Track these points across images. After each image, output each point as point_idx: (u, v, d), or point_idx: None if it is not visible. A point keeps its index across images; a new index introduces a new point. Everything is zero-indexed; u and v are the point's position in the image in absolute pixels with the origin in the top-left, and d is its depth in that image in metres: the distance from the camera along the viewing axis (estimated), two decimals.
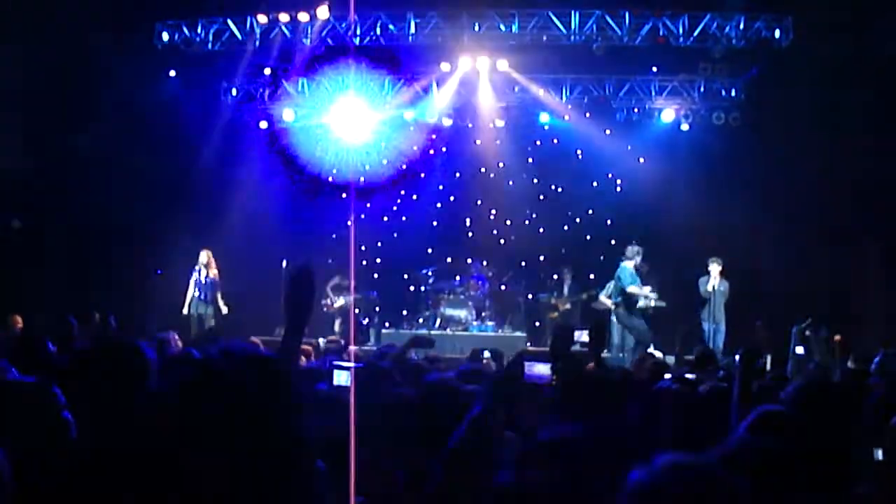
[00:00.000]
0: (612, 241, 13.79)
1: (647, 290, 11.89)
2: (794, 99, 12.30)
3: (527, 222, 15.13)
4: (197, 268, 12.58)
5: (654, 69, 13.63)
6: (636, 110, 14.32)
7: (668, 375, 5.36)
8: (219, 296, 12.65)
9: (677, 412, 3.69)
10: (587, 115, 14.25)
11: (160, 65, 13.68)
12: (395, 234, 14.97)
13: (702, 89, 13.92)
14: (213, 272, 12.62)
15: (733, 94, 13.77)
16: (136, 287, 12.88)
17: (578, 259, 14.48)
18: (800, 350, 8.61)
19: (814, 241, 12.30)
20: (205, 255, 12.57)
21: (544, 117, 14.48)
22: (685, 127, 14.11)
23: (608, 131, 14.48)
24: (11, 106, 11.60)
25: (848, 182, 12.07)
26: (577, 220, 15.07)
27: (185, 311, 12.42)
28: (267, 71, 14.09)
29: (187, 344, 6.62)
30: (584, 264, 14.36)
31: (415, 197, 15.49)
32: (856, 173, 11.86)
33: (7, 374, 3.32)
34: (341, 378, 4.07)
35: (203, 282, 12.55)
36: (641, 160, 14.45)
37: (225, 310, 12.59)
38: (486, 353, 7.32)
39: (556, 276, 14.34)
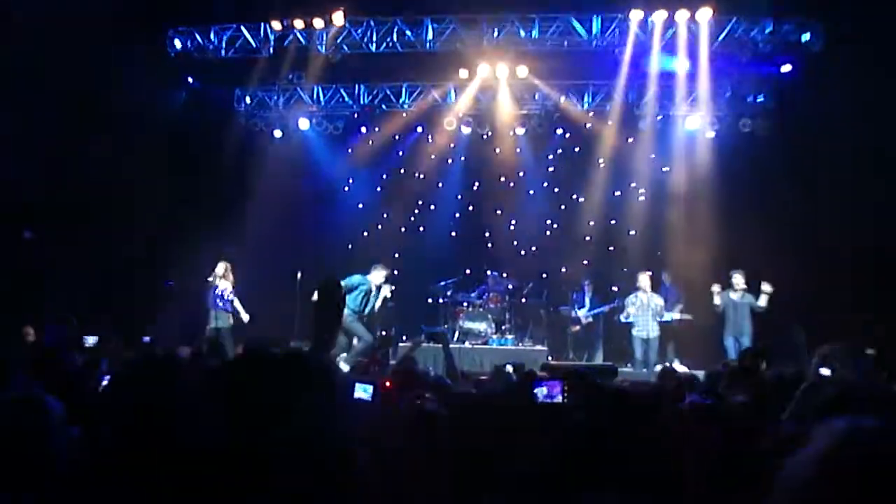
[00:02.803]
0: (635, 253, 13.96)
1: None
2: (826, 106, 12.00)
3: (547, 233, 15.15)
4: (212, 279, 12.44)
5: (679, 74, 13.56)
6: (660, 117, 14.26)
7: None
8: (239, 307, 12.47)
9: (706, 429, 3.58)
10: (609, 122, 14.17)
11: (173, 73, 13.76)
12: (413, 245, 14.92)
13: (728, 95, 13.85)
14: (229, 284, 12.49)
15: (761, 99, 13.72)
16: (147, 296, 12.80)
17: (600, 270, 14.41)
18: (825, 372, 8.45)
19: (846, 261, 11.65)
20: (222, 267, 12.46)
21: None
22: (711, 134, 14.00)
23: (631, 139, 14.40)
24: (22, 117, 11.59)
25: (883, 197, 11.63)
26: (599, 230, 14.98)
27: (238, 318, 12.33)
28: (282, 79, 14.08)
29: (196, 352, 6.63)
30: (606, 276, 14.33)
31: (432, 207, 15.51)
32: (893, 188, 11.47)
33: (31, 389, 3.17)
34: (361, 392, 4.04)
35: (220, 294, 12.44)
36: (665, 169, 14.35)
37: (247, 318, 12.38)
38: (509, 367, 7.27)
39: (577, 289, 14.25)
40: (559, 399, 3.91)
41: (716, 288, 12.06)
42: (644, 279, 12.59)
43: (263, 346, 1.89)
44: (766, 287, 11.62)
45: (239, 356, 1.87)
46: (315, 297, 2.69)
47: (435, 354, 11.23)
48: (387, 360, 10.79)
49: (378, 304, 11.94)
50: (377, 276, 11.93)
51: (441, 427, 3.26)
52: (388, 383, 4.22)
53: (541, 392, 3.95)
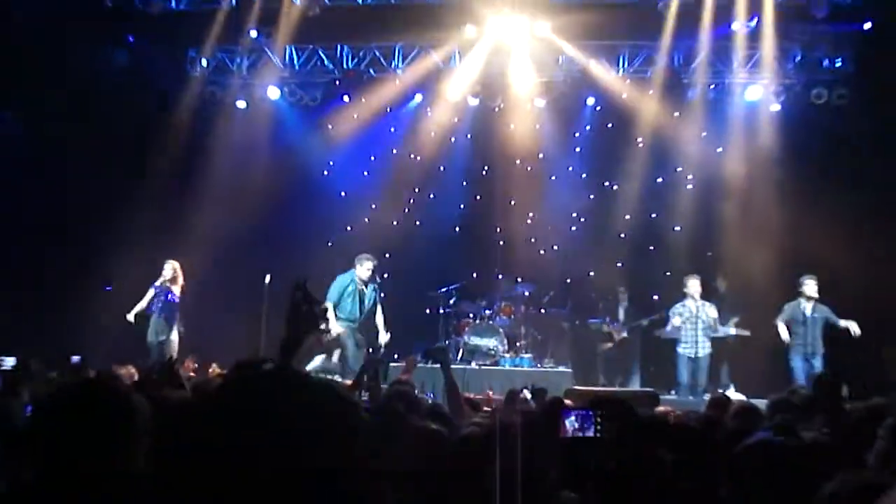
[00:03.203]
0: (681, 253, 13.92)
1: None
2: None
3: (573, 228, 15.03)
4: (159, 283, 12.53)
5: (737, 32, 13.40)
6: (713, 86, 14.19)
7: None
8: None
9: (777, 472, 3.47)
10: (650, 92, 14.09)
11: (110, 30, 13.64)
12: (407, 243, 14.68)
13: (798, 59, 13.80)
14: (178, 289, 12.59)
15: (838, 64, 13.62)
16: (80, 306, 12.74)
17: (638, 275, 14.38)
18: None
19: None
20: (170, 268, 12.56)
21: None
22: (776, 107, 13.92)
23: (677, 113, 14.28)
24: None
25: None
26: (637, 225, 14.84)
27: (129, 317, 12.47)
28: (246, 37, 14.00)
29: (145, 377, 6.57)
30: (645, 282, 14.30)
31: (432, 196, 15.43)
32: None
33: None
34: None
35: (166, 300, 12.51)
36: (719, 150, 14.26)
37: (176, 337, 12.55)
38: (526, 392, 7.26)
39: (609, 297, 14.26)
40: (591, 433, 3.81)
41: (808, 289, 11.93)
42: (693, 284, 12.59)
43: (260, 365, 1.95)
44: (853, 327, 11.59)
45: (237, 374, 2.00)
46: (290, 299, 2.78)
47: (435, 376, 11.19)
48: (377, 386, 10.79)
49: (369, 302, 12.41)
50: (363, 270, 12.38)
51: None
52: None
53: (571, 424, 3.85)
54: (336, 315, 12.20)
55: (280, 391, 1.66)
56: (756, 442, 3.67)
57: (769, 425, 4.65)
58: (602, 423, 3.81)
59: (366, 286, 12.47)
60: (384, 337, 12.63)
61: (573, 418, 3.86)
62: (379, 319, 12.69)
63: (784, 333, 12.01)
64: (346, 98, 14.80)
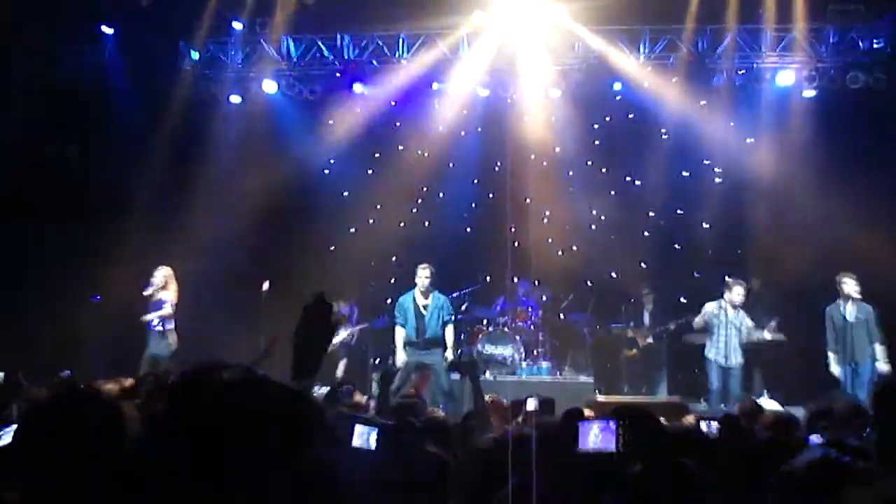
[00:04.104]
0: (710, 251, 14.00)
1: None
2: None
3: (593, 227, 14.95)
4: (148, 291, 12.43)
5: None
6: (741, 72, 14.09)
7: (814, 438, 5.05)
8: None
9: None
10: (674, 79, 14.04)
11: (89, 19, 13.64)
12: (416, 245, 14.52)
13: (832, 40, 13.68)
14: (170, 297, 12.49)
15: (876, 45, 13.51)
16: (67, 317, 12.62)
17: (664, 276, 14.42)
18: None
19: None
20: (160, 275, 12.45)
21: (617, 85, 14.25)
22: (809, 93, 13.86)
23: (703, 101, 14.25)
24: None
25: None
26: (662, 222, 14.89)
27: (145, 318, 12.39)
28: (239, 26, 14.06)
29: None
30: (672, 283, 14.32)
31: (441, 195, 15.38)
32: None
33: None
34: (364, 438, 4.12)
35: (157, 309, 12.40)
36: (749, 140, 14.22)
37: (174, 345, 12.47)
38: (531, 402, 6.94)
39: (632, 300, 14.36)
40: (612, 446, 3.77)
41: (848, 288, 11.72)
42: (738, 292, 12.27)
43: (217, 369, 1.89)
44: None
45: (185, 378, 1.91)
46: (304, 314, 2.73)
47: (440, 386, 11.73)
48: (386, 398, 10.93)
49: (430, 318, 12.20)
50: (418, 280, 12.29)
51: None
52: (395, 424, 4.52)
53: (591, 436, 3.82)
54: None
55: (231, 403, 1.68)
56: (821, 457, 3.46)
57: (823, 442, 4.38)
58: (625, 436, 3.76)
59: (427, 299, 12.24)
60: (449, 355, 12.26)
61: (594, 430, 3.82)
62: (448, 335, 12.38)
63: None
64: (348, 92, 14.70)
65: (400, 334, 12.25)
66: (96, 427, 2.43)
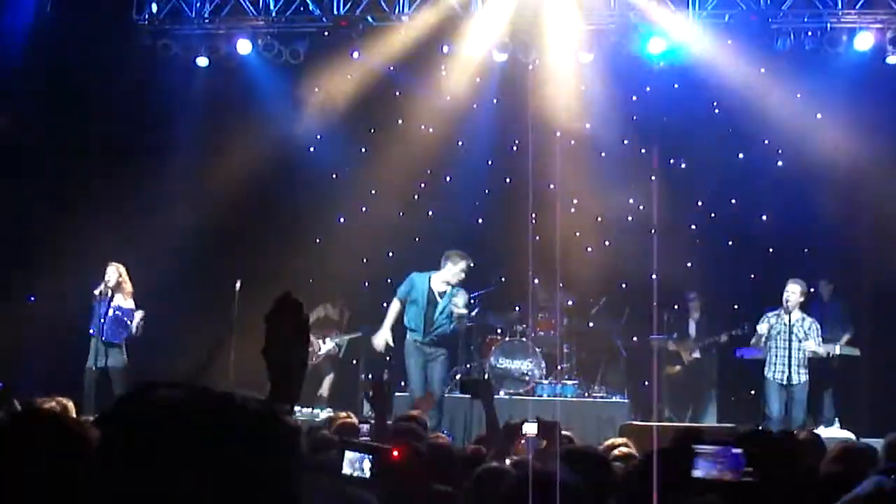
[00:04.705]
0: (770, 249, 13.90)
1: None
2: None
3: (629, 218, 14.49)
4: (99, 291, 12.12)
5: None
6: (810, 33, 13.35)
7: None
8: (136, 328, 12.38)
9: None
10: (729, 42, 13.34)
11: None
12: (417, 239, 14.61)
13: None
14: (127, 298, 12.29)
15: None
16: None
17: (714, 278, 14.17)
18: None
19: None
20: (114, 272, 12.16)
21: (656, 45, 13.53)
22: (894, 59, 13.08)
23: (763, 69, 13.50)
24: None
25: None
26: (713, 214, 14.55)
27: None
28: None
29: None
30: (724, 287, 14.20)
31: (448, 179, 15.06)
32: None
33: None
34: (355, 466, 4.08)
35: (110, 314, 12.11)
36: (819, 115, 13.56)
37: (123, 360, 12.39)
38: (529, 428, 6.39)
39: (676, 307, 14.07)
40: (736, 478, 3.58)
41: None
42: (794, 291, 11.99)
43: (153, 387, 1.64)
44: None
45: (116, 404, 1.66)
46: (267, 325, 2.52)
47: (455, 408, 11.84)
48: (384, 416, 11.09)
49: (441, 316, 11.88)
50: (449, 272, 11.74)
51: None
52: (395, 452, 4.30)
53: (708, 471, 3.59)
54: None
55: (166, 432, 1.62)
56: (874, 491, 3.72)
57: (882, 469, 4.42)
58: (755, 470, 3.59)
59: (440, 295, 11.79)
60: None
61: (711, 462, 3.60)
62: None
63: None
64: (337, 55, 14.06)
65: (394, 310, 11.97)
66: (55, 453, 2.46)
